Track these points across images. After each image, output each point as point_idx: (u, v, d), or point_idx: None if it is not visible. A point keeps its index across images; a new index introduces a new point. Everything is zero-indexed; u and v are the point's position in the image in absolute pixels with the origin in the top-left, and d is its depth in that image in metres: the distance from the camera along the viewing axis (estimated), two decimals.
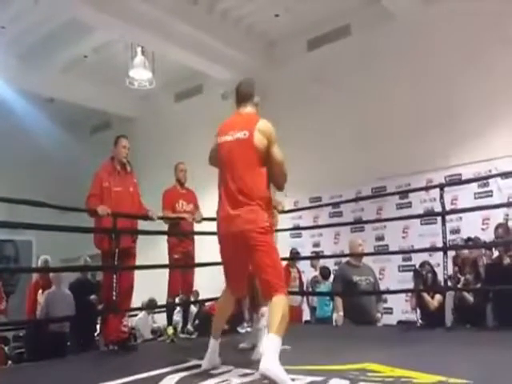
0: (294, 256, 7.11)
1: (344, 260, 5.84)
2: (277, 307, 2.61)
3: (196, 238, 5.22)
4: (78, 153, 11.31)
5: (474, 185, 6.63)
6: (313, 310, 6.85)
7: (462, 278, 4.93)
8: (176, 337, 4.73)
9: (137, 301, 5.81)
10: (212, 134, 10.20)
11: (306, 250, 7.89)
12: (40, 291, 6.40)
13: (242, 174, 2.84)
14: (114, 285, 4.01)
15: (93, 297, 6.19)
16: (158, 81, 8.80)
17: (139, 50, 8.24)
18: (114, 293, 4.00)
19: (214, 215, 5.13)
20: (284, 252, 7.32)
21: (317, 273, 6.96)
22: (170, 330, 4.75)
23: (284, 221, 6.84)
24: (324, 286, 6.53)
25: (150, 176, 8.03)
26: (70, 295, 6.13)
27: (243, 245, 2.76)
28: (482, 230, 6.40)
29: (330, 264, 7.10)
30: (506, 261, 4.57)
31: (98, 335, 6.14)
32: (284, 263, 6.79)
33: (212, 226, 5.17)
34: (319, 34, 8.68)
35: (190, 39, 8.05)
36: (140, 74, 8.26)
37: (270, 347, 2.49)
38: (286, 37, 9.05)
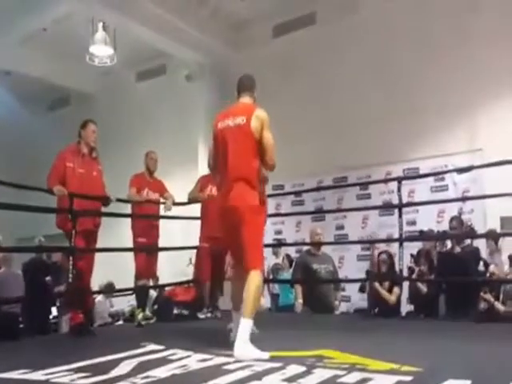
0: None
1: (305, 248, 5.94)
2: (250, 288, 2.96)
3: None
4: (34, 128, 10.91)
5: (431, 179, 6.84)
6: (274, 297, 6.91)
7: (417, 269, 5.09)
8: (143, 320, 4.72)
9: (94, 284, 5.71)
10: (176, 115, 10.11)
11: (267, 238, 7.90)
12: None
13: (238, 157, 3.12)
14: (71, 267, 3.97)
15: (48, 278, 6.03)
16: (120, 58, 8.47)
17: (100, 25, 7.93)
18: (71, 275, 3.95)
19: (176, 197, 5.17)
20: None
21: (278, 260, 7.03)
22: (140, 314, 4.73)
23: None
24: (287, 274, 6.59)
25: (108, 154, 7.81)
26: (20, 276, 5.92)
27: (234, 219, 3.08)
28: (438, 222, 6.63)
29: (292, 252, 7.20)
30: (457, 249, 4.75)
31: (54, 318, 5.99)
32: None
33: (175, 211, 5.22)
34: (284, 20, 8.64)
35: (154, 18, 7.82)
36: (101, 50, 7.97)
37: (241, 332, 2.83)
38: (251, 21, 8.96)
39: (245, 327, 2.86)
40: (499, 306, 4.16)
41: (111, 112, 10.37)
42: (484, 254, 5.17)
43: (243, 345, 2.78)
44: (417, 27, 7.26)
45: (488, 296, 4.19)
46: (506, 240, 5.22)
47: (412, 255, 5.30)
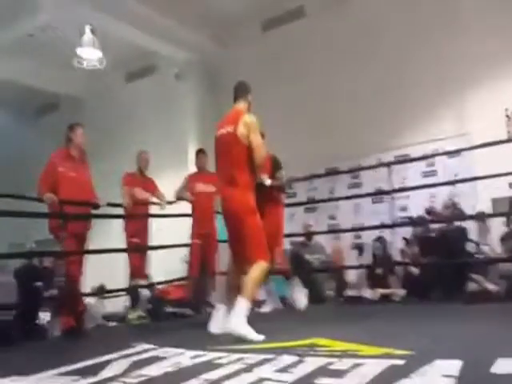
0: None
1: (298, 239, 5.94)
2: (253, 272, 3.16)
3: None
4: (23, 135, 10.83)
5: (422, 165, 6.83)
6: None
7: (409, 251, 5.10)
8: (138, 320, 4.72)
9: (86, 287, 5.69)
10: (165, 114, 10.12)
11: None
12: None
13: (229, 163, 3.37)
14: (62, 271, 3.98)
15: (39, 283, 5.96)
16: (108, 59, 8.35)
17: (88, 28, 7.86)
18: (62, 279, 3.96)
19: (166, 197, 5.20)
20: None
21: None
22: (134, 314, 4.74)
23: None
24: None
25: (99, 158, 7.81)
26: (11, 282, 5.86)
27: (232, 221, 3.35)
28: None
29: (286, 244, 7.18)
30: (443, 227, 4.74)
31: (48, 322, 5.95)
32: None
33: (166, 210, 5.22)
34: (273, 15, 8.61)
35: (140, 17, 7.74)
36: (89, 53, 7.87)
37: (237, 307, 3.04)
38: (240, 17, 8.87)
39: (241, 305, 3.04)
40: (490, 285, 4.17)
41: (101, 114, 10.33)
42: (473, 235, 5.18)
43: (237, 319, 2.99)
44: (407, 17, 7.25)
45: (478, 276, 4.20)
46: (496, 221, 5.27)
47: (404, 238, 5.30)
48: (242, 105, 3.56)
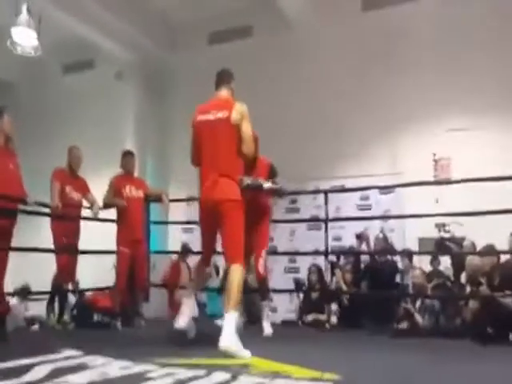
0: (186, 251, 7.04)
1: None
2: (233, 282, 3.07)
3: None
4: None
5: (357, 198, 7.12)
6: (201, 306, 6.78)
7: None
8: (63, 325, 4.50)
9: (9, 287, 5.36)
10: (103, 113, 9.67)
11: (197, 246, 7.80)
12: None
13: (220, 150, 3.20)
14: None
15: None
16: (45, 47, 7.91)
17: (24, 8, 7.40)
18: None
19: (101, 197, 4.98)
20: (175, 247, 7.23)
21: (208, 269, 6.91)
22: (58, 318, 4.52)
23: (176, 215, 6.82)
24: (215, 283, 6.53)
25: (28, 149, 7.33)
26: None
27: (217, 214, 3.15)
28: None
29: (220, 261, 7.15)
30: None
31: None
32: (174, 257, 6.74)
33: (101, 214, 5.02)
34: (221, 29, 8.66)
35: (83, 7, 7.35)
36: (24, 36, 7.35)
37: (227, 324, 2.95)
38: (188, 25, 8.87)
39: (230, 320, 2.96)
40: (418, 317, 4.38)
41: (33, 104, 9.81)
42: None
43: (229, 337, 2.89)
44: (346, 53, 7.60)
45: (409, 306, 4.41)
46: (422, 259, 5.60)
47: (337, 257, 5.46)
48: (225, 92, 3.42)
